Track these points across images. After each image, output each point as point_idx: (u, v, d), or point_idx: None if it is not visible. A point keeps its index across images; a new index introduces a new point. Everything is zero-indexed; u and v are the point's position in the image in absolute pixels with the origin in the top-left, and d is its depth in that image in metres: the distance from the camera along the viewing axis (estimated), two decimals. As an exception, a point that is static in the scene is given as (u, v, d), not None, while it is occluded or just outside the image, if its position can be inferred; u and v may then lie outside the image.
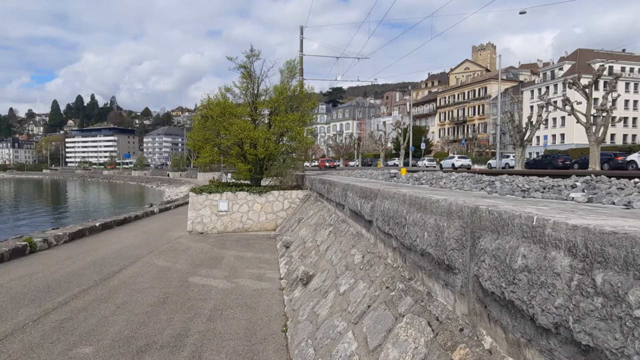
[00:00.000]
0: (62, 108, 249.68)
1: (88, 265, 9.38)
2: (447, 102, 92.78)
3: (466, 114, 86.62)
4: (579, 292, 1.70)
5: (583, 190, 4.46)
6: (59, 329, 5.68)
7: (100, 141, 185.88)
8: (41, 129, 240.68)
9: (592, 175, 6.04)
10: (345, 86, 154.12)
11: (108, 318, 6.11)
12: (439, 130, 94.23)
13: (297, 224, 12.61)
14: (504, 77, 73.27)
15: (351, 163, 68.62)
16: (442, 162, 44.21)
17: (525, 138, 30.62)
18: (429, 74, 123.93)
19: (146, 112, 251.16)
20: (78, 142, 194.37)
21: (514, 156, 35.51)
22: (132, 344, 5.22)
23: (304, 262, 7.92)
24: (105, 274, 8.60)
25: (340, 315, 4.50)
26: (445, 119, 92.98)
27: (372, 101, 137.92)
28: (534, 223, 2.07)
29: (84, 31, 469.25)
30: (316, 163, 62.90)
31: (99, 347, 5.13)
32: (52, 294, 7.22)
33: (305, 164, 31.41)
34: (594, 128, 23.33)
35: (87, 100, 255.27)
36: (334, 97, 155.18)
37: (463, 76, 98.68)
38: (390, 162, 60.09)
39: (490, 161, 45.54)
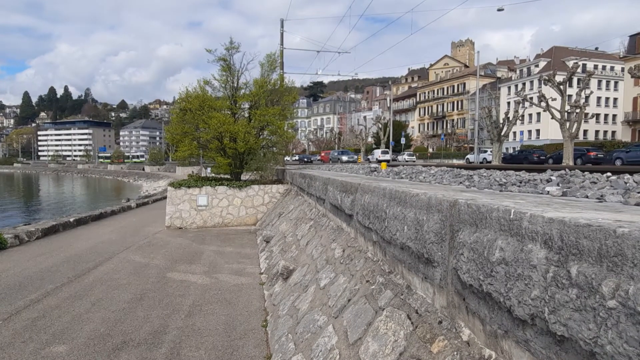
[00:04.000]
0: (34, 100, 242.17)
1: (62, 261, 9.15)
2: (426, 98, 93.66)
3: (445, 109, 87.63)
4: (554, 283, 1.73)
5: (558, 184, 4.56)
6: (31, 327, 5.53)
7: (74, 134, 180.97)
8: (12, 121, 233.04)
9: (567, 170, 6.19)
10: (326, 80, 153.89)
11: (83, 315, 5.97)
12: (419, 125, 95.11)
13: (277, 218, 12.56)
14: (482, 74, 74.32)
15: None
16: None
17: (502, 133, 31.18)
18: (409, 69, 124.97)
19: (122, 105, 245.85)
20: (51, 135, 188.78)
21: (491, 151, 36.18)
22: (108, 341, 5.12)
23: (284, 256, 7.90)
24: (79, 271, 8.41)
25: (321, 309, 4.50)
26: (424, 114, 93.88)
27: (352, 96, 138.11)
28: (511, 216, 2.09)
29: (58, 20, 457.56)
30: (298, 157, 62.44)
31: (73, 345, 5.01)
32: (24, 291, 7.02)
33: (286, 158, 31.13)
34: (567, 124, 23.91)
35: (60, 92, 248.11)
36: (315, 91, 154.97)
37: (442, 72, 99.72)
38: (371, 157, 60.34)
39: (468, 156, 46.29)
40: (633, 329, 1.38)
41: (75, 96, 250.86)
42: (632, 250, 1.44)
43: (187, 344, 5.08)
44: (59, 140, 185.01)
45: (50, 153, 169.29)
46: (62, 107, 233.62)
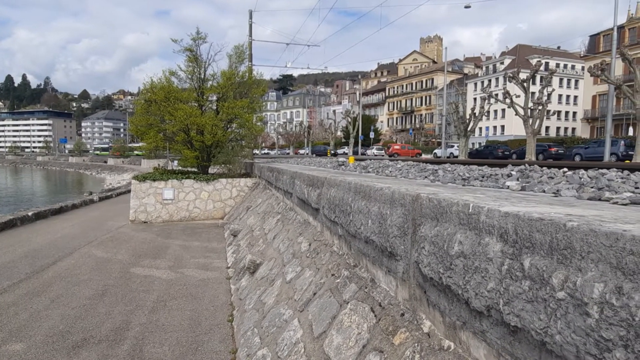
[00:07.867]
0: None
1: (19, 257, 8.78)
2: (395, 92, 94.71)
3: (414, 104, 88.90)
4: (509, 276, 1.78)
5: (518, 179, 4.70)
6: (-15, 326, 5.29)
7: (33, 125, 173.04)
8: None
9: (527, 165, 6.39)
10: (295, 73, 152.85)
11: (41, 312, 5.76)
12: (388, 119, 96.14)
13: (245, 212, 12.45)
14: (450, 70, 75.70)
15: (301, 151, 68.59)
16: None
17: (468, 129, 31.89)
18: (378, 63, 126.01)
19: (84, 95, 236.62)
20: (8, 125, 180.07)
21: (458, 146, 37.01)
22: (68, 339, 4.96)
23: (251, 250, 7.85)
24: (38, 267, 8.09)
25: (287, 303, 4.50)
26: (393, 109, 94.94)
27: (322, 89, 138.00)
28: (470, 210, 2.14)
29: (18, 5, 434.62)
30: (267, 150, 61.71)
31: (31, 343, 4.83)
32: (-23, 289, 6.71)
33: (255, 152, 30.38)
34: (530, 120, 24.69)
35: (18, 80, 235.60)
36: (285, 85, 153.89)
37: (411, 67, 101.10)
38: (340, 151, 60.65)
39: (436, 150, 47.27)
40: (580, 319, 1.44)
41: (34, 85, 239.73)
42: (580, 243, 1.50)
43: (151, 340, 4.98)
44: (17, 131, 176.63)
45: (8, 144, 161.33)
46: (19, 97, 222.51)
